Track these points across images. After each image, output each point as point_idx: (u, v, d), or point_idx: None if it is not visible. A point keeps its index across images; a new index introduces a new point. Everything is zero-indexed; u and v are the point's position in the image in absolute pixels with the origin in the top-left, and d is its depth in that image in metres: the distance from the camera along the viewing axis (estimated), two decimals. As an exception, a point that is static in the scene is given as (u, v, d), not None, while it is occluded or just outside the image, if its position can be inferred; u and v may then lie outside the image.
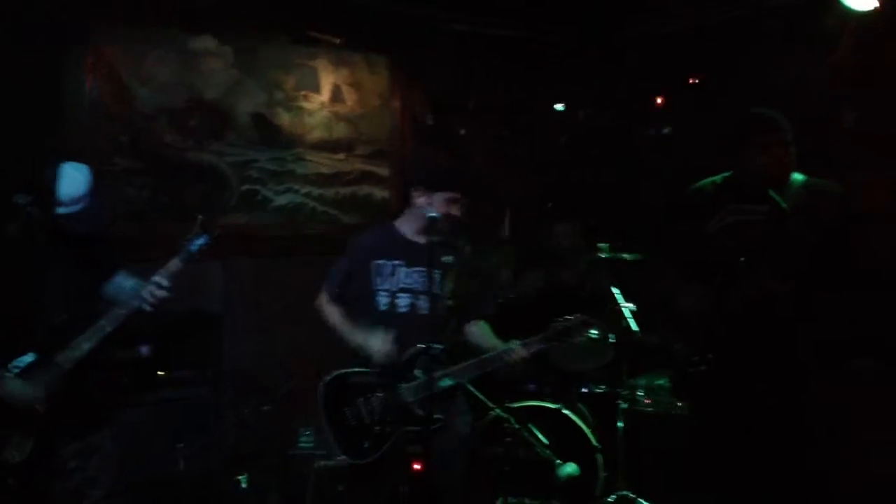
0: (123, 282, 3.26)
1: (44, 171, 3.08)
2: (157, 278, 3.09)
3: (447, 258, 3.39)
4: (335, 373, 3.50)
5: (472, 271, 3.58)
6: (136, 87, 4.92)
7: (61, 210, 3.07)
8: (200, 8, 5.00)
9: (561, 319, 3.35)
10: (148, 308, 3.10)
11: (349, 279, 3.55)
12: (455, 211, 3.42)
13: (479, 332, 3.58)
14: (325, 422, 3.49)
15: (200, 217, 3.19)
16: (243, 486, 4.32)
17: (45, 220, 3.04)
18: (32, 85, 4.47)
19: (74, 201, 3.09)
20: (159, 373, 4.30)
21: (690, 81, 5.76)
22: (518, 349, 3.36)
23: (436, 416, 3.27)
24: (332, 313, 3.54)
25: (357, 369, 3.46)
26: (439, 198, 3.40)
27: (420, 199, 3.45)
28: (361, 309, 3.49)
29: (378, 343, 3.35)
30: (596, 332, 3.42)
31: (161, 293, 3.09)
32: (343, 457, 3.51)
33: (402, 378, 3.37)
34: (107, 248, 3.32)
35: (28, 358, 3.03)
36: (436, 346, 3.31)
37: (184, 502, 4.14)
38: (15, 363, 3.02)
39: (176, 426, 4.22)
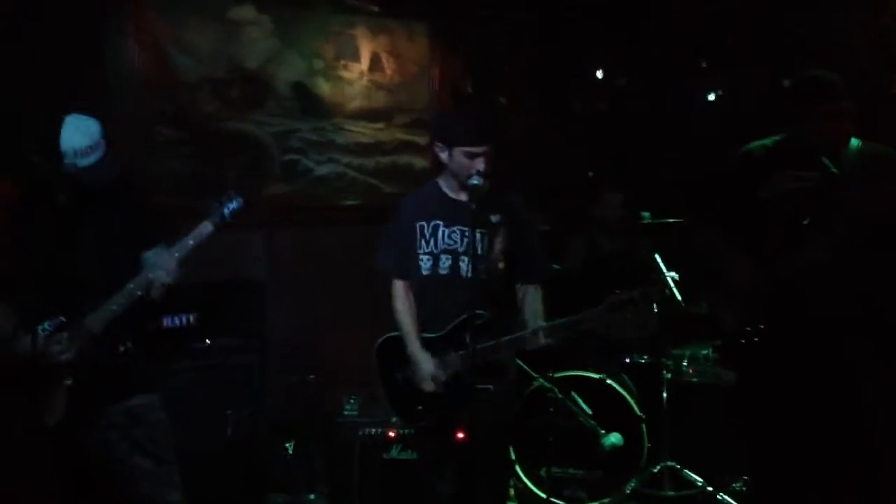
0: (155, 255, 3.13)
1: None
2: (176, 254, 3.02)
3: (495, 217, 3.18)
4: (387, 335, 3.47)
5: (525, 230, 3.37)
6: (177, 56, 4.91)
7: (78, 163, 2.96)
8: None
9: (619, 292, 3.16)
10: (166, 281, 3.02)
11: (401, 246, 3.42)
12: (479, 165, 3.21)
13: (529, 305, 3.38)
14: (380, 383, 3.48)
15: (234, 177, 3.05)
16: (290, 452, 4.38)
17: (57, 174, 2.94)
18: (75, 53, 4.45)
19: (85, 153, 2.98)
20: (206, 340, 4.33)
21: (729, 44, 5.64)
22: (540, 336, 3.22)
23: (482, 386, 3.23)
24: (403, 310, 3.40)
25: None
26: (458, 153, 3.24)
27: (442, 155, 3.32)
28: (411, 275, 3.41)
29: (427, 370, 3.30)
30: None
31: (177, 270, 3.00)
32: (394, 420, 3.50)
33: (452, 344, 3.30)
34: (157, 218, 3.26)
35: (57, 320, 2.99)
36: (480, 313, 3.20)
37: (232, 468, 4.19)
38: (44, 325, 2.96)
39: (224, 393, 4.24)
